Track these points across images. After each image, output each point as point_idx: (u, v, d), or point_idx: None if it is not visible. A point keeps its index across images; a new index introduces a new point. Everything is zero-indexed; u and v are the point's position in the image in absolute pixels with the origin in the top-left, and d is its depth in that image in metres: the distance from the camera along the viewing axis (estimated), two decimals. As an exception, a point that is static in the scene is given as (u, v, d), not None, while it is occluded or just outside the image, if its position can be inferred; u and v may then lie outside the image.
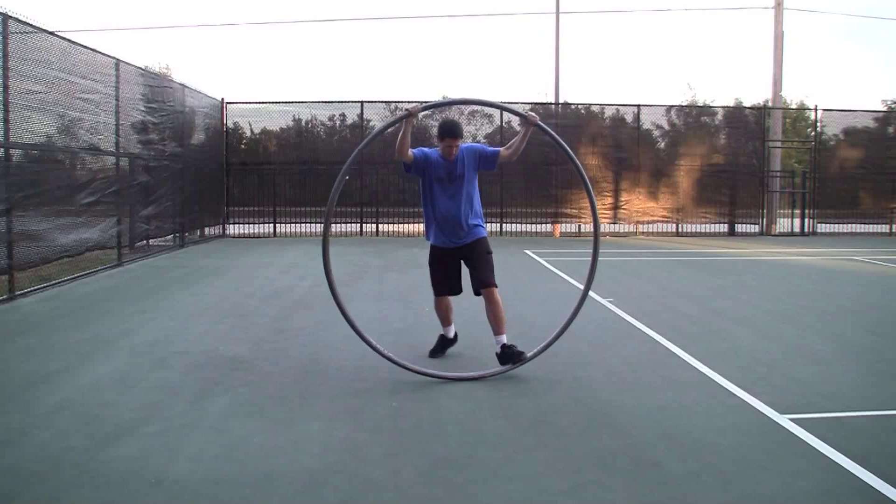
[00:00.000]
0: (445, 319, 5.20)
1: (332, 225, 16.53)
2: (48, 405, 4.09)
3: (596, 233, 4.90)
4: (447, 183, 4.83)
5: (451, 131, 4.79)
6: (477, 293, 4.92)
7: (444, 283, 5.08)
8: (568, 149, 4.83)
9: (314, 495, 3.02)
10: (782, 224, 18.28)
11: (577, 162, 4.89)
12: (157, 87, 12.27)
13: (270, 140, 17.67)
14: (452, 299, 5.15)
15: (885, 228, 18.16)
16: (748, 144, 18.19)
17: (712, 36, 59.85)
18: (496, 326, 4.81)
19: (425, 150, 4.93)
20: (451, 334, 5.25)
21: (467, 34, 65.94)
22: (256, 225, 16.49)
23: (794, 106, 33.02)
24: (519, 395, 4.37)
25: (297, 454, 3.42)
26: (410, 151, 4.75)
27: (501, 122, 16.97)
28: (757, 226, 17.69)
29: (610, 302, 7.44)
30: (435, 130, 18.02)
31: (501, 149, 4.90)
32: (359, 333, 4.62)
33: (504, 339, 4.79)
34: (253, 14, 49.56)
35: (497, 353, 4.78)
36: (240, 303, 7.43)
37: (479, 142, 17.54)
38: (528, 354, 4.76)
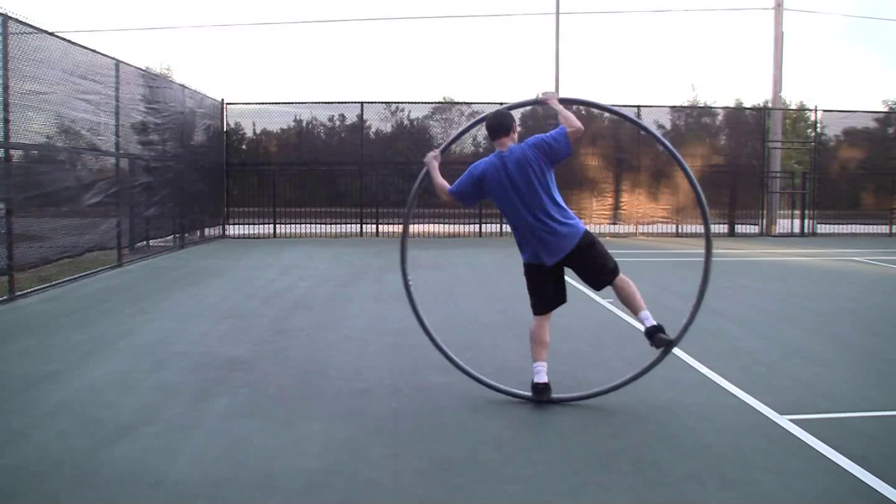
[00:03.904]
0: (541, 350, 4.23)
1: (332, 226, 16.69)
2: (48, 406, 4.09)
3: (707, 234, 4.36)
4: (520, 194, 4.10)
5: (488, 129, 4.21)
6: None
7: (542, 297, 4.25)
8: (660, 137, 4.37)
9: (314, 496, 3.02)
10: (782, 225, 18.28)
11: (678, 156, 4.26)
12: (157, 88, 12.28)
13: (270, 141, 17.69)
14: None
15: (884, 229, 18.17)
16: (748, 145, 18.20)
17: (713, 37, 59.95)
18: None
19: (477, 166, 4.17)
20: (545, 377, 4.18)
21: (468, 35, 66.00)
22: (256, 226, 16.49)
23: (794, 107, 33.03)
24: (519, 395, 4.36)
25: (297, 455, 3.42)
26: (446, 189, 4.23)
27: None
28: (757, 226, 17.70)
29: (610, 303, 7.44)
30: (433, 131, 17.95)
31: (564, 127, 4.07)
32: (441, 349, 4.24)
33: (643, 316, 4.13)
34: (253, 15, 49.58)
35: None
36: (240, 304, 7.43)
37: (480, 144, 17.55)
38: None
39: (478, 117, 4.69)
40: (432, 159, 4.36)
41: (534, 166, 4.01)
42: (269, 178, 16.53)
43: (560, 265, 4.14)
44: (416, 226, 16.51)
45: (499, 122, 4.14)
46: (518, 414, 4.04)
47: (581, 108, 18.46)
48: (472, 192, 4.19)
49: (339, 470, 3.26)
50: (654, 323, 4.09)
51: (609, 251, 4.23)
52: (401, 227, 15.53)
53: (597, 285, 4.21)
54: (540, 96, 4.30)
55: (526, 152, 4.03)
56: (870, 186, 18.56)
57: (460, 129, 4.75)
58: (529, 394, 4.20)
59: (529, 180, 4.01)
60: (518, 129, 4.31)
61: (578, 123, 4.03)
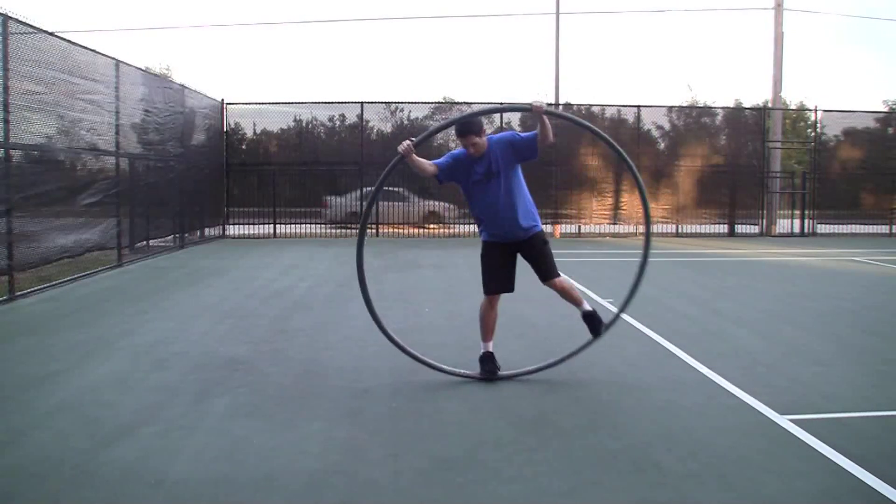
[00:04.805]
0: (488, 330, 4.71)
1: (333, 226, 16.67)
2: (48, 406, 4.09)
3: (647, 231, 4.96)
4: (485, 182, 4.49)
5: (459, 132, 4.47)
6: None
7: (494, 281, 4.68)
8: (607, 137, 4.72)
9: (314, 496, 3.02)
10: (782, 225, 18.27)
11: (626, 157, 4.83)
12: (158, 88, 12.28)
13: (270, 141, 17.68)
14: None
15: (884, 229, 18.16)
16: (748, 145, 18.20)
17: (712, 36, 59.93)
18: (574, 303, 4.78)
19: (454, 154, 4.62)
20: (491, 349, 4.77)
21: (467, 35, 65.98)
22: (256, 225, 16.49)
23: (793, 107, 33.04)
24: (519, 395, 4.37)
25: (297, 455, 3.42)
26: (432, 164, 4.54)
27: (501, 122, 16.95)
28: (757, 226, 17.69)
29: (610, 303, 7.44)
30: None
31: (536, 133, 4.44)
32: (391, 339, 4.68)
33: (585, 306, 4.79)
34: (253, 14, 49.56)
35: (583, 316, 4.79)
36: (240, 303, 7.43)
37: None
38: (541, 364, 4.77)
39: (449, 119, 4.89)
40: (409, 148, 4.30)
41: (504, 162, 4.46)
42: (269, 178, 16.53)
43: (514, 250, 4.64)
44: (414, 226, 16.49)
45: (467, 126, 4.47)
46: (518, 414, 4.05)
47: (581, 108, 18.52)
48: (447, 174, 4.58)
49: (339, 470, 3.26)
50: (588, 309, 4.77)
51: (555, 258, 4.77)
52: (400, 227, 15.41)
53: (543, 280, 4.71)
54: (534, 104, 4.33)
55: (492, 147, 4.47)
56: (870, 186, 18.55)
57: (436, 126, 4.87)
58: (472, 373, 4.67)
59: (499, 173, 4.47)
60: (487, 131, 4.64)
61: (551, 138, 4.38)
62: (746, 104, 31.57)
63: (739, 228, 17.62)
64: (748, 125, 18.69)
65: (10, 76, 7.41)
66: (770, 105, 19.20)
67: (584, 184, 17.07)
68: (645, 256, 4.83)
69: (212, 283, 8.92)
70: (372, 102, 16.94)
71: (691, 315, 6.91)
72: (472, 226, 16.76)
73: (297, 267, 10.54)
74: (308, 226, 16.51)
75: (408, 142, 4.30)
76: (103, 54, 9.92)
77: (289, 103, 17.20)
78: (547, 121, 4.30)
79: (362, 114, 16.74)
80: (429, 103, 18.59)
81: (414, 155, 4.34)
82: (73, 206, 9.12)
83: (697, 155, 17.71)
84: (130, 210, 10.91)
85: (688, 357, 5.26)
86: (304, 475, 3.20)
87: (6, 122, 7.33)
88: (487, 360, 4.69)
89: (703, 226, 17.57)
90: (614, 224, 17.26)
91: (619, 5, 53.11)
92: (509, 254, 4.66)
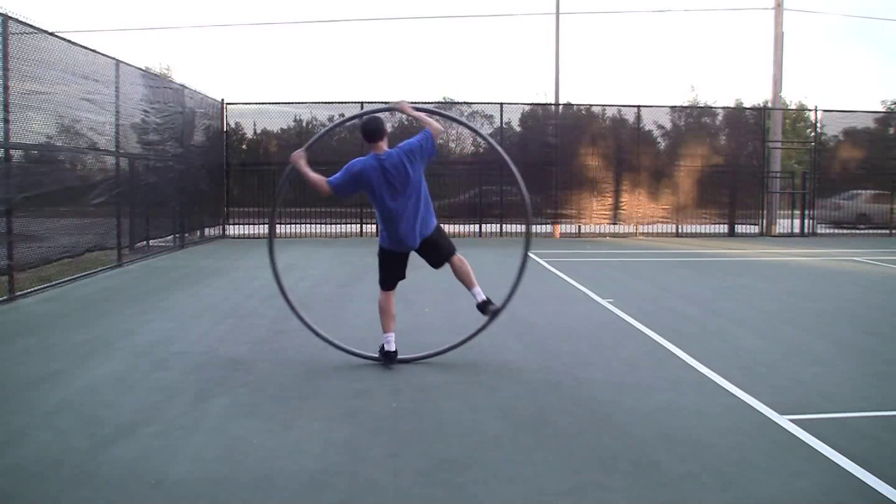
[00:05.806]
0: (390, 321, 5.00)
1: (333, 226, 16.68)
2: (48, 406, 4.09)
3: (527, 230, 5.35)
4: (396, 192, 4.73)
5: (364, 134, 4.81)
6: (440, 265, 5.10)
7: (393, 276, 5.05)
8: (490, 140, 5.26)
9: (314, 496, 3.02)
10: (782, 225, 18.27)
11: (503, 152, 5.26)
12: (157, 88, 12.28)
13: (270, 141, 17.67)
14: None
15: (884, 229, 18.15)
16: (748, 145, 18.20)
17: (712, 36, 59.94)
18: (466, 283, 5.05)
19: (355, 164, 4.78)
20: (394, 346, 4.97)
21: (467, 34, 65.97)
22: (256, 225, 16.48)
23: (793, 107, 33.05)
24: (519, 395, 4.37)
25: (296, 455, 3.42)
26: (325, 182, 4.76)
27: (501, 122, 16.95)
28: (757, 226, 17.69)
29: (610, 303, 7.44)
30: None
31: (429, 130, 4.79)
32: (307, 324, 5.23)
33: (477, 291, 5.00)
34: (253, 15, 49.55)
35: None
36: (239, 303, 7.43)
37: (480, 145, 17.53)
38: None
39: (348, 116, 5.31)
40: (299, 158, 4.82)
41: (407, 168, 4.70)
42: (269, 178, 16.51)
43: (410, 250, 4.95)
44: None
45: (375, 128, 4.77)
46: (518, 414, 4.05)
47: (581, 108, 18.53)
48: (348, 187, 4.84)
49: (339, 470, 3.26)
50: (484, 298, 4.94)
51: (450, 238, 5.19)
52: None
53: (436, 264, 5.06)
54: (394, 105, 4.85)
55: (401, 157, 4.70)
56: (870, 186, 18.55)
57: (327, 128, 5.38)
58: (376, 356, 5.00)
59: (404, 180, 4.70)
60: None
61: (438, 125, 4.83)
62: (747, 104, 31.60)
63: (739, 228, 17.63)
64: (748, 125, 18.69)
65: (10, 76, 7.40)
66: (770, 105, 19.19)
67: (583, 184, 17.06)
68: (525, 254, 5.18)
69: (212, 283, 8.92)
70: (372, 102, 16.91)
71: (691, 315, 6.91)
72: (471, 225, 16.77)
73: (296, 267, 10.54)
74: (308, 226, 16.49)
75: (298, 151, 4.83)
76: (103, 54, 9.92)
77: (289, 103, 17.19)
78: (422, 115, 4.87)
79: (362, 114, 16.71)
80: (429, 103, 18.57)
81: (304, 166, 4.86)
82: (74, 206, 9.12)
83: (698, 155, 17.70)
84: (130, 210, 10.91)
85: (688, 357, 5.26)
86: (304, 475, 3.20)
87: (6, 121, 7.33)
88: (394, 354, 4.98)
89: (703, 226, 17.58)
90: (614, 224, 17.27)
91: (619, 5, 53.10)
92: (405, 256, 5.15)
